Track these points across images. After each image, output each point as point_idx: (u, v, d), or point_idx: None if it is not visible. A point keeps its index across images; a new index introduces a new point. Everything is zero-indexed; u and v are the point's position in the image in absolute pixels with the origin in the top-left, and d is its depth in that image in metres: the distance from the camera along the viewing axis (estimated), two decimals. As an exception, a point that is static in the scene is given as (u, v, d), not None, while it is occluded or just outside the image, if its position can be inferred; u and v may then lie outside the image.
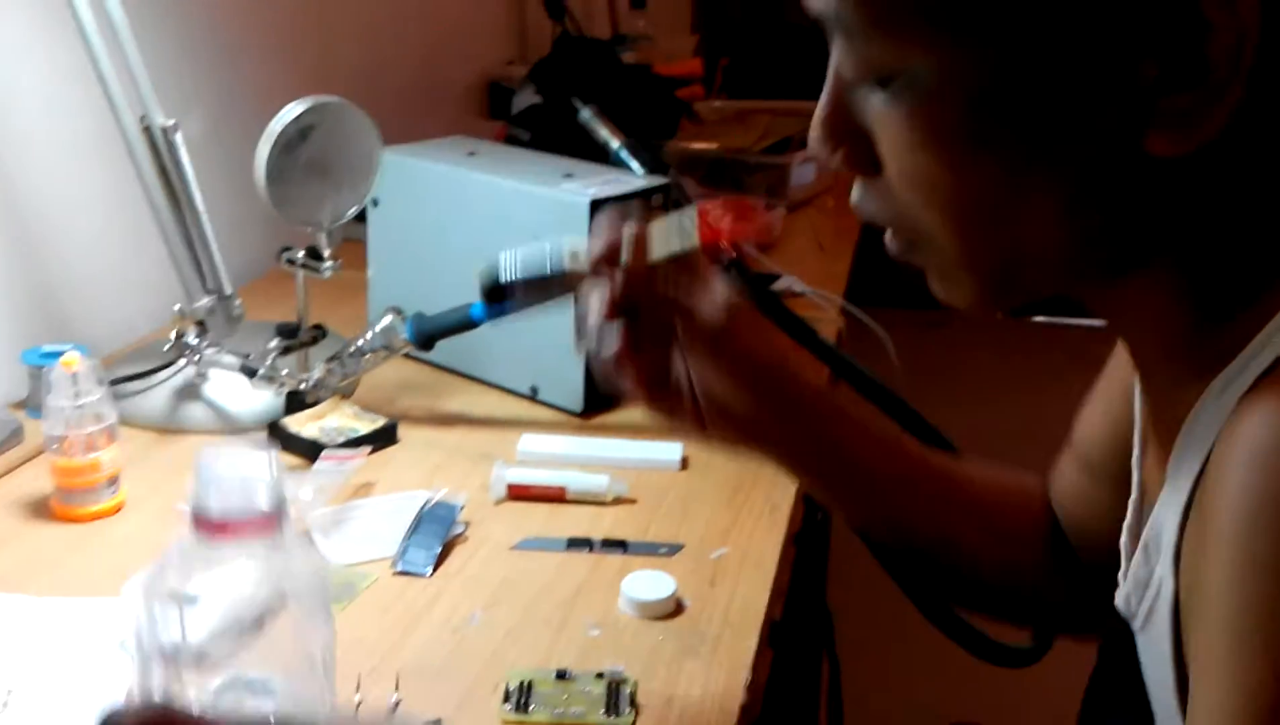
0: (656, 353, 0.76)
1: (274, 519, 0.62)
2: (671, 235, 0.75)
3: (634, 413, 1.25)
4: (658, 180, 1.31)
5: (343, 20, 1.88)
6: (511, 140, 1.96)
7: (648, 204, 1.26)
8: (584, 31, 2.76)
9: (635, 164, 1.41)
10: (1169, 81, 0.53)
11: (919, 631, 0.88)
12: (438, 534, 0.99)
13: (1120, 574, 0.69)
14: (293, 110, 1.16)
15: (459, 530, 1.02)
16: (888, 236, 0.65)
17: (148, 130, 1.18)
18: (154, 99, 1.18)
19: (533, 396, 1.28)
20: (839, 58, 0.61)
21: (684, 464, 1.15)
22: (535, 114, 1.95)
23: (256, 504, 0.61)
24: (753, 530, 1.04)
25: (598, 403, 1.25)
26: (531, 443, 1.17)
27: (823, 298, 1.65)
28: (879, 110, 0.59)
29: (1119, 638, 0.68)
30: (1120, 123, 0.55)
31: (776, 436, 0.81)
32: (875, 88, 0.59)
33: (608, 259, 0.75)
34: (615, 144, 1.44)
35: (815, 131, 0.63)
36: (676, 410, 0.78)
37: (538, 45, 2.69)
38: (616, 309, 0.75)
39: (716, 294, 0.75)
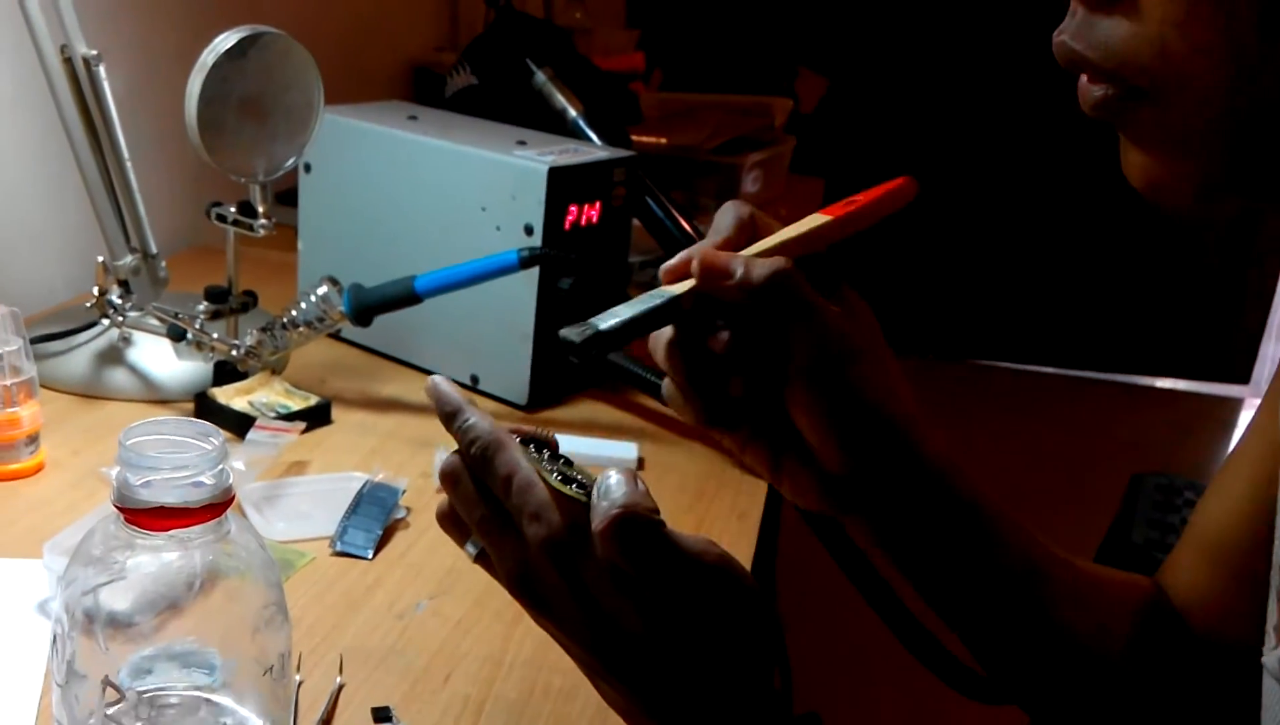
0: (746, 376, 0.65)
1: (219, 508, 0.58)
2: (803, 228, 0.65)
3: (584, 408, 1.27)
4: (620, 152, 1.27)
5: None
6: (445, 123, 1.95)
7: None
8: (519, 18, 2.76)
9: (593, 134, 1.40)
10: None
11: (870, 642, 0.85)
12: (378, 517, 0.99)
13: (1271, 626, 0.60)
14: (228, 39, 1.10)
15: (400, 514, 1.01)
16: (1098, 88, 0.52)
17: (69, 61, 1.14)
18: (77, 27, 1.15)
19: (473, 386, 1.28)
20: None
21: (641, 464, 1.15)
22: (471, 96, 1.94)
23: (198, 495, 0.57)
24: (719, 539, 1.03)
25: (544, 396, 1.25)
26: (475, 432, 1.16)
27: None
28: None
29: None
30: None
31: (869, 510, 0.69)
32: None
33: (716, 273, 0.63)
34: (573, 112, 1.42)
35: None
36: (746, 446, 0.69)
37: (469, 32, 2.68)
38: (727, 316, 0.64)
39: (841, 316, 0.64)
